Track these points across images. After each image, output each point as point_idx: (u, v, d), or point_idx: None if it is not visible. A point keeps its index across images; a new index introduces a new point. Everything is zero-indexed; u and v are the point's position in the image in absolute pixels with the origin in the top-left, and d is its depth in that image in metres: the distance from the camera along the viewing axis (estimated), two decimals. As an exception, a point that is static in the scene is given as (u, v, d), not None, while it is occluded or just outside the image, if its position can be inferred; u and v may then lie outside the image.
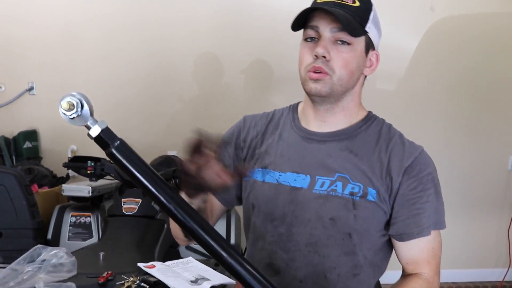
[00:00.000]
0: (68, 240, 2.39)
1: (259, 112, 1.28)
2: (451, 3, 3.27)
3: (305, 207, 1.09)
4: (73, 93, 0.75)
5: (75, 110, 0.74)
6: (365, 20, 1.06)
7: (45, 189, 2.69)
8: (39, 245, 1.42)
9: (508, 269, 3.40)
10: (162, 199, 0.80)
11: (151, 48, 3.14)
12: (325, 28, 1.04)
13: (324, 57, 1.04)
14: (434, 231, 1.10)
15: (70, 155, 3.06)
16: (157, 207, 2.27)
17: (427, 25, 3.26)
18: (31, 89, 3.12)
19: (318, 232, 1.08)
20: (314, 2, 1.09)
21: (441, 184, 1.12)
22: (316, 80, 1.05)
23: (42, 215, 2.36)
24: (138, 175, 0.79)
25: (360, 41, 1.06)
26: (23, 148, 3.01)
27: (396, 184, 1.07)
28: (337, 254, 1.09)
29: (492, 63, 3.35)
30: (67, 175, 2.92)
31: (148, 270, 1.39)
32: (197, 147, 0.88)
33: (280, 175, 1.13)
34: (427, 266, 1.10)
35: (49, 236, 2.39)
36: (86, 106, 0.75)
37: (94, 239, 2.34)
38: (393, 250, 1.16)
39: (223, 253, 0.80)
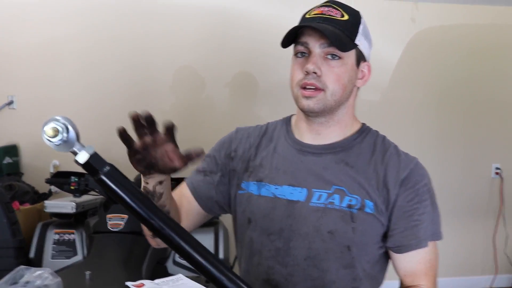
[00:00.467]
0: (51, 259, 2.32)
1: (245, 124, 1.27)
2: (432, 15, 3.33)
3: (302, 221, 1.07)
4: (57, 118, 0.71)
5: (60, 136, 0.70)
6: (355, 33, 1.06)
7: (27, 206, 2.62)
8: (22, 266, 1.36)
9: (495, 276, 3.44)
10: (156, 225, 0.76)
11: (131, 61, 3.11)
12: (315, 44, 1.04)
13: (315, 73, 1.03)
14: (431, 243, 1.09)
15: (52, 170, 2.98)
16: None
17: (409, 36, 3.31)
18: (11, 103, 3.05)
19: (316, 246, 1.07)
20: (303, 18, 1.09)
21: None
22: (308, 97, 1.05)
23: (24, 233, 2.30)
24: (129, 201, 0.76)
25: (351, 55, 1.06)
26: (3, 163, 2.93)
27: (393, 196, 1.06)
28: (336, 268, 1.07)
29: (474, 72, 3.41)
30: (50, 191, 2.85)
31: (137, 289, 1.35)
32: (139, 125, 0.91)
33: (276, 188, 1.11)
34: (425, 278, 1.08)
35: (32, 254, 2.32)
36: (71, 131, 0.71)
37: (78, 257, 2.28)
38: (390, 261, 1.15)
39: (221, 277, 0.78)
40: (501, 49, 3.44)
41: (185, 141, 3.46)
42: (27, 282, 1.32)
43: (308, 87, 1.04)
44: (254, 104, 3.27)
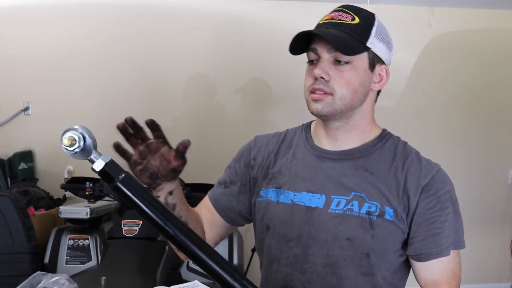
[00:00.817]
0: (66, 264, 2.33)
1: (258, 131, 1.28)
2: (448, 20, 3.30)
3: (321, 228, 1.06)
4: (75, 127, 0.73)
5: (77, 145, 0.73)
6: (366, 36, 1.04)
7: (42, 212, 2.63)
8: (38, 272, 1.36)
9: (511, 284, 3.37)
10: (171, 232, 0.77)
11: (144, 69, 3.13)
12: (323, 50, 1.04)
13: (323, 78, 1.03)
14: (454, 251, 1.06)
15: (66, 176, 3.00)
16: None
17: (424, 42, 3.28)
18: (26, 109, 3.08)
19: (335, 253, 1.05)
20: (317, 24, 1.08)
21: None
22: (316, 101, 1.04)
23: (39, 238, 2.30)
24: (145, 208, 0.76)
25: (361, 58, 1.04)
26: (18, 169, 2.95)
27: (413, 204, 1.04)
28: (355, 275, 1.05)
29: (490, 78, 3.37)
30: (64, 196, 2.86)
31: (153, 296, 1.34)
32: (128, 135, 0.93)
33: (295, 195, 1.10)
34: (447, 287, 1.06)
35: (46, 260, 2.32)
36: (88, 140, 0.73)
37: (92, 263, 2.28)
38: (410, 269, 1.13)
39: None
40: (519, 54, 3.40)
41: (198, 148, 3.46)
42: (44, 288, 1.32)
43: (316, 92, 1.04)
44: (268, 110, 3.26)
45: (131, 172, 0.91)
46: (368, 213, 1.04)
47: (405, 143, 1.13)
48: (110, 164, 0.75)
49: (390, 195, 1.05)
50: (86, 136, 0.73)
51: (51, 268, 2.29)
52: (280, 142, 1.18)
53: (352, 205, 1.05)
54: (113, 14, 3.11)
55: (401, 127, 3.21)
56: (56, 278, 1.34)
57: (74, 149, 0.72)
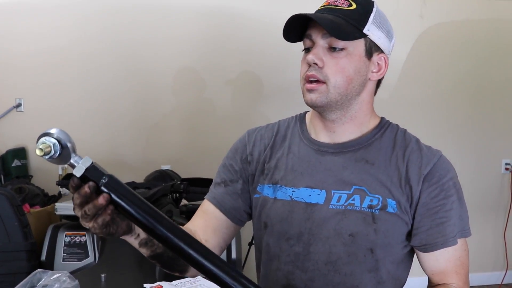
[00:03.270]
0: (63, 261, 2.31)
1: (250, 124, 1.23)
2: (440, 11, 3.31)
3: (322, 224, 1.03)
4: (50, 131, 0.69)
5: (52, 151, 0.68)
6: (363, 22, 1.00)
7: (37, 209, 2.61)
8: (39, 270, 1.35)
9: (505, 272, 3.42)
10: (161, 233, 0.76)
11: (134, 64, 3.11)
12: (317, 35, 1.00)
13: (316, 64, 0.99)
14: (460, 240, 1.04)
15: (61, 173, 2.98)
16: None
17: (417, 33, 3.29)
18: (18, 105, 3.05)
19: (337, 250, 1.02)
20: (315, 11, 1.05)
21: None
22: (311, 91, 1.01)
23: (35, 235, 2.29)
24: (131, 211, 0.75)
25: (357, 45, 1.00)
26: (11, 166, 2.92)
27: (416, 193, 1.01)
28: (359, 272, 1.02)
29: (483, 68, 3.39)
30: (59, 193, 2.84)
31: (155, 291, 1.34)
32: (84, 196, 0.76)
33: (293, 191, 1.06)
34: (455, 277, 1.04)
35: (43, 257, 2.31)
36: (65, 144, 0.69)
37: (90, 259, 2.27)
38: (413, 260, 1.12)
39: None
40: (511, 44, 3.42)
41: (190, 143, 3.46)
42: (45, 286, 1.31)
43: (310, 79, 1.00)
44: (259, 104, 3.25)
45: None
46: (370, 207, 1.01)
47: (405, 131, 1.10)
48: (91, 169, 0.72)
49: (392, 186, 1.02)
50: (62, 141, 0.69)
51: (48, 265, 2.28)
52: (274, 135, 1.14)
53: (353, 200, 1.02)
54: (102, 9, 3.08)
55: (395, 119, 3.21)
56: (57, 275, 1.33)
57: (51, 156, 0.69)
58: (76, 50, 3.06)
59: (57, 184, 2.42)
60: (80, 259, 2.31)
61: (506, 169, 3.44)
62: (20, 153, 2.99)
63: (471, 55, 3.36)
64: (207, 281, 1.46)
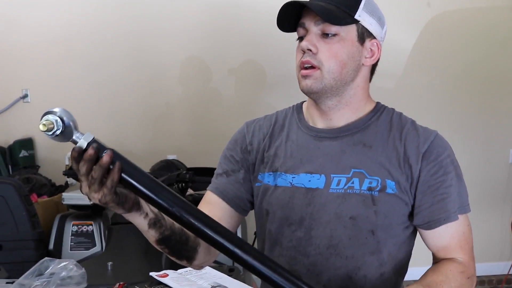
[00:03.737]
0: (70, 250, 2.34)
1: (255, 113, 1.25)
2: (448, -2, 3.27)
3: (323, 209, 1.05)
4: (54, 110, 0.73)
5: (55, 128, 0.72)
6: (354, 8, 1.03)
7: (45, 198, 2.64)
8: (46, 258, 1.38)
9: (512, 262, 3.41)
10: (163, 203, 0.79)
11: (139, 54, 3.10)
12: (310, 22, 1.03)
13: (310, 50, 1.02)
14: (462, 215, 1.06)
15: (67, 163, 2.99)
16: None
17: (424, 21, 3.25)
18: (25, 96, 3.06)
19: (338, 233, 1.04)
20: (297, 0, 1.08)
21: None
22: (306, 77, 1.03)
23: (43, 225, 2.31)
24: (134, 182, 0.78)
25: (350, 30, 1.03)
26: (19, 157, 2.94)
27: (416, 172, 1.03)
28: (361, 254, 1.04)
29: (490, 57, 3.35)
30: (66, 183, 2.86)
31: (161, 279, 1.36)
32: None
33: (293, 177, 1.08)
34: (460, 251, 1.06)
35: (51, 246, 2.34)
36: (67, 122, 0.73)
37: (97, 248, 2.30)
38: (420, 250, 1.13)
39: (234, 249, 0.81)
40: (519, 32, 3.38)
41: (194, 133, 3.45)
42: (52, 274, 1.33)
43: (305, 65, 1.03)
44: (264, 93, 3.24)
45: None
46: (369, 189, 1.03)
47: (400, 114, 1.12)
48: (93, 143, 0.75)
49: (391, 167, 1.04)
50: (65, 118, 0.73)
51: (56, 254, 2.30)
52: (273, 124, 1.16)
53: (353, 183, 1.04)
54: (109, 1, 3.08)
55: (401, 108, 3.20)
56: (64, 263, 1.35)
57: (54, 132, 0.72)
58: (82, 41, 3.07)
59: (64, 174, 2.43)
60: (87, 248, 2.33)
61: (514, 159, 3.41)
62: (27, 143, 3.01)
63: (478, 43, 3.32)
64: (213, 270, 1.47)
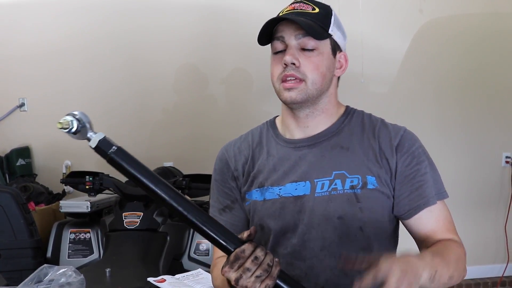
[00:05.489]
0: (68, 258, 2.35)
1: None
2: (440, 5, 3.31)
3: (312, 213, 1.09)
4: (74, 112, 0.86)
5: (70, 126, 0.85)
6: (327, 24, 1.10)
7: (42, 207, 2.65)
8: (45, 265, 1.39)
9: (507, 264, 3.43)
10: (158, 193, 0.88)
11: (135, 63, 3.14)
12: (290, 36, 1.08)
13: (294, 64, 1.07)
14: (440, 201, 1.11)
15: (65, 171, 3.01)
16: (159, 220, 2.24)
17: (417, 27, 3.29)
18: (22, 105, 3.08)
19: (329, 234, 1.08)
20: (278, 16, 1.12)
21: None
22: (290, 89, 1.08)
23: (40, 233, 2.33)
24: (137, 175, 0.88)
25: (326, 45, 1.10)
26: (16, 165, 2.96)
27: (393, 164, 1.10)
28: (353, 251, 1.08)
29: (482, 61, 3.39)
30: (63, 191, 2.88)
31: (159, 285, 1.37)
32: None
33: (280, 189, 1.13)
34: (449, 233, 1.09)
35: (49, 254, 2.35)
36: (83, 122, 0.86)
37: (95, 255, 2.31)
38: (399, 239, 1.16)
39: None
40: (510, 38, 3.43)
41: (191, 140, 3.45)
42: (51, 280, 1.35)
43: (288, 78, 1.07)
44: (260, 100, 3.26)
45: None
46: (352, 187, 1.08)
47: (370, 114, 1.19)
48: (103, 141, 0.87)
49: (370, 163, 1.10)
50: (81, 119, 0.86)
51: (54, 262, 2.32)
52: (251, 145, 1.20)
53: (336, 184, 1.09)
54: (103, 12, 3.11)
55: (395, 112, 3.27)
56: (63, 270, 1.36)
57: (69, 130, 0.85)
58: (78, 51, 3.09)
59: (61, 182, 2.45)
60: (85, 256, 2.35)
61: (507, 162, 3.44)
62: (24, 152, 3.03)
63: (471, 49, 3.37)
64: (210, 274, 1.49)
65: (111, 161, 0.87)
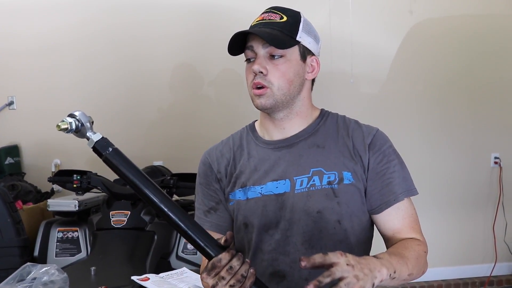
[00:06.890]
0: (55, 256, 2.34)
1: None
2: (429, 6, 3.33)
3: (293, 209, 1.16)
4: (75, 113, 0.91)
5: (69, 128, 0.89)
6: (295, 31, 1.16)
7: (30, 205, 2.63)
8: (28, 263, 1.39)
9: (494, 264, 3.46)
10: (146, 193, 0.92)
11: (129, 63, 3.13)
12: (258, 46, 1.15)
13: (262, 72, 1.14)
14: (408, 199, 1.18)
15: (54, 170, 3.00)
16: (146, 219, 2.24)
17: (407, 28, 3.31)
18: (11, 103, 3.06)
19: (310, 228, 1.15)
20: (250, 26, 1.19)
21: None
22: (259, 96, 1.16)
23: (28, 232, 2.31)
24: (129, 175, 0.92)
25: (293, 51, 1.16)
26: (4, 164, 2.94)
27: (366, 161, 1.18)
28: (332, 244, 1.14)
29: (473, 63, 3.41)
30: (52, 190, 2.86)
31: (142, 283, 1.38)
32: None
33: (261, 187, 1.19)
34: (412, 232, 1.16)
35: (36, 253, 2.33)
36: (82, 123, 0.91)
37: (82, 254, 2.30)
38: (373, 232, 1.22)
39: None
40: (499, 39, 3.45)
41: (181, 140, 3.45)
42: (34, 279, 1.35)
43: (257, 86, 1.16)
44: (250, 99, 3.26)
45: None
46: (329, 183, 1.16)
47: (344, 116, 1.27)
48: (101, 141, 0.93)
49: (345, 160, 1.18)
50: (81, 120, 0.90)
51: (41, 261, 2.30)
52: (232, 148, 1.27)
53: (314, 181, 1.16)
54: (96, 7, 3.10)
55: (385, 113, 3.29)
56: (46, 268, 1.37)
57: (68, 131, 0.89)
58: (69, 48, 3.08)
59: (48, 181, 2.44)
60: (73, 255, 2.34)
61: (495, 163, 3.47)
62: (13, 150, 3.01)
63: (460, 50, 3.39)
64: (194, 273, 1.49)
65: (106, 161, 0.93)
